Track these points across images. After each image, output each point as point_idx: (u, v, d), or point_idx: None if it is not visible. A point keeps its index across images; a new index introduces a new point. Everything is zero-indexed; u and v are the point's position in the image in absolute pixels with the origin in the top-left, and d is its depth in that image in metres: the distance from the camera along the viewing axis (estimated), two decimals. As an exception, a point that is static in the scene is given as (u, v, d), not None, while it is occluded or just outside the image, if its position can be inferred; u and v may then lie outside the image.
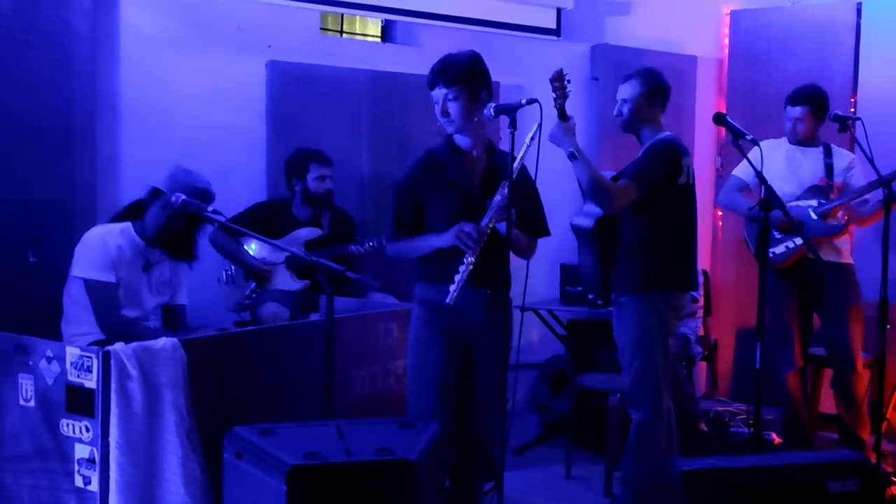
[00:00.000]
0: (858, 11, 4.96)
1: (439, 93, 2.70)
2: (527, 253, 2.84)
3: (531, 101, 2.55)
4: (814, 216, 3.75)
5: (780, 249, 3.83)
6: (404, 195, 2.76)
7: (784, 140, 3.96)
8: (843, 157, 3.89)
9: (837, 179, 3.84)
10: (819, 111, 3.83)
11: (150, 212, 3.06)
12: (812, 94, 3.84)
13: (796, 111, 3.84)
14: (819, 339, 3.97)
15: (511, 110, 2.56)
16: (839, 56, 5.00)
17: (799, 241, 3.72)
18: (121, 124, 4.08)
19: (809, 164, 3.88)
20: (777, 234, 3.81)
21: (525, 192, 2.72)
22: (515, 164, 2.58)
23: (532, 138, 2.60)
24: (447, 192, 2.72)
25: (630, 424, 3.13)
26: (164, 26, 4.17)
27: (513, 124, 2.54)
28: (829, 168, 3.85)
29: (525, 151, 2.62)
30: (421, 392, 2.73)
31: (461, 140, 2.77)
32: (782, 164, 3.88)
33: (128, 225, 3.08)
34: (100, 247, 2.98)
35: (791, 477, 2.29)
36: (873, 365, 3.91)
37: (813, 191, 3.82)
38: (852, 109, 4.82)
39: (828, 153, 3.88)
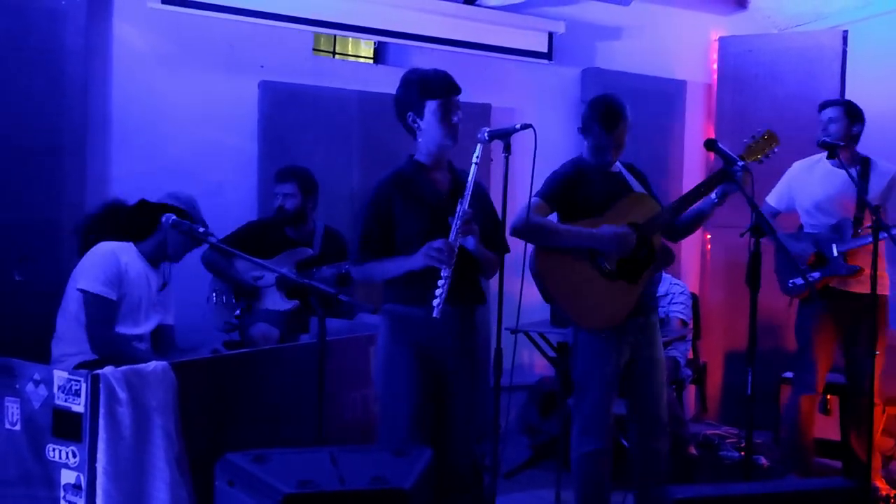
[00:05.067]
0: (844, 38, 5.03)
1: (455, 101, 2.70)
2: (490, 271, 2.78)
3: (525, 127, 2.56)
4: (836, 253, 3.66)
5: (800, 280, 3.74)
6: (373, 215, 2.70)
7: (822, 158, 3.79)
8: (881, 176, 3.70)
9: (873, 199, 3.62)
10: (852, 116, 3.71)
11: (167, 237, 3.07)
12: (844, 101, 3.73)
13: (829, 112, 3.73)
14: (838, 367, 3.87)
15: (505, 135, 2.57)
16: (826, 82, 5.06)
17: (817, 273, 3.70)
18: (112, 142, 4.07)
19: (842, 190, 3.65)
20: (800, 266, 3.72)
21: (485, 209, 2.74)
22: (469, 181, 2.59)
23: (478, 157, 2.59)
24: (417, 209, 2.69)
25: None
26: (157, 45, 4.17)
27: (507, 149, 2.55)
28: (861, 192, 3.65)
29: (474, 171, 2.61)
30: (394, 412, 2.67)
31: (425, 159, 2.76)
32: (819, 191, 3.74)
33: (130, 245, 3.06)
34: (109, 262, 2.94)
35: (785, 503, 2.28)
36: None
37: (842, 226, 3.69)
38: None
39: (864, 173, 3.69)
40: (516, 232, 2.92)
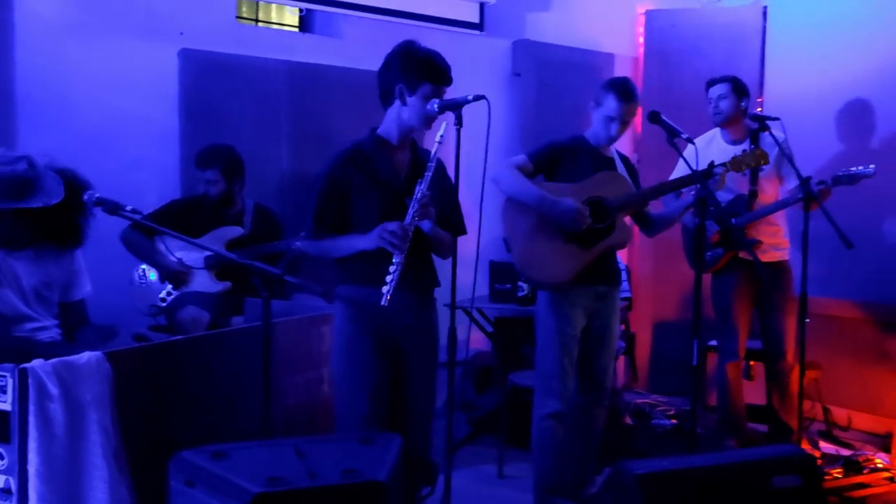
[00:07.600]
0: (764, 14, 5.15)
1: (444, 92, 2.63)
2: (447, 252, 2.72)
3: (478, 98, 2.48)
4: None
5: (707, 255, 3.82)
6: (328, 190, 2.60)
7: (716, 133, 3.89)
8: (771, 147, 3.66)
9: (764, 174, 3.77)
10: (739, 91, 3.81)
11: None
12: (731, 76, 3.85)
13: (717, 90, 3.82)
14: (754, 333, 4.02)
15: (456, 106, 2.49)
16: (747, 57, 5.17)
17: (720, 250, 3.82)
18: (17, 116, 3.77)
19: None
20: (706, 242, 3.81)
21: (444, 189, 2.66)
22: (430, 163, 2.51)
23: (442, 136, 2.51)
24: (374, 188, 2.60)
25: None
26: (65, 9, 3.87)
27: (458, 121, 2.47)
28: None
29: (437, 150, 2.53)
30: (352, 398, 2.61)
31: (390, 135, 2.66)
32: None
33: None
34: None
35: (740, 474, 2.33)
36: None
37: (738, 201, 3.80)
38: (759, 109, 5.00)
39: (755, 145, 3.76)
40: (492, 178, 3.07)
